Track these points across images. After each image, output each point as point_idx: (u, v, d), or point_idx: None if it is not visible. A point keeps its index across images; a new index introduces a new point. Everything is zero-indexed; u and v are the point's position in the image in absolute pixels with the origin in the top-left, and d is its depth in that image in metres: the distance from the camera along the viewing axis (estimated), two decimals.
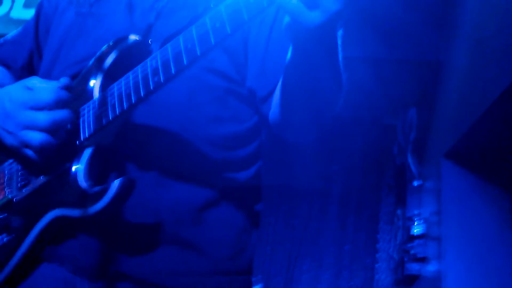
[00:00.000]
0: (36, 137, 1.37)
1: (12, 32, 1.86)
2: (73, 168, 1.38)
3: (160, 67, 1.22)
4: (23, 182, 1.52)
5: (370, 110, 5.22)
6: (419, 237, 4.17)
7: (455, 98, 4.00)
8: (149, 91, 1.27)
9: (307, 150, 4.83)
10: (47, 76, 1.61)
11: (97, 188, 1.34)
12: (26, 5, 4.91)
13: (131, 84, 1.30)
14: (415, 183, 4.58)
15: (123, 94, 1.31)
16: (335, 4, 1.07)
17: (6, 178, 1.57)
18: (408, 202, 4.76)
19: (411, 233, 4.27)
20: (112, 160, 1.40)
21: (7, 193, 1.54)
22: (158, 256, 1.43)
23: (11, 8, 4.93)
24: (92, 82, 1.42)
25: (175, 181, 1.46)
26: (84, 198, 1.35)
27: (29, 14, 4.84)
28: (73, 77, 1.51)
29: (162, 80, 1.23)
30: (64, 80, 1.44)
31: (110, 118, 1.34)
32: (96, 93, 1.40)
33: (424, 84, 4.77)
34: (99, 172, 1.39)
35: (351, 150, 5.45)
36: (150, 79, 1.25)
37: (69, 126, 1.41)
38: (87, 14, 1.63)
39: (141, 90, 1.27)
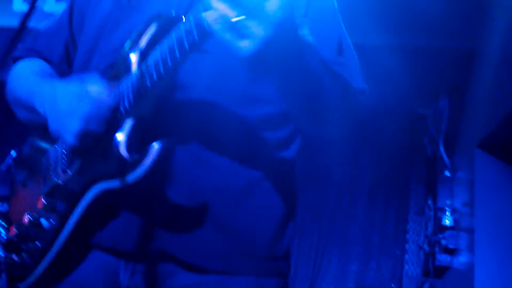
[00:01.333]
0: (66, 139, 1.44)
1: (44, 24, 1.88)
2: (115, 139, 1.40)
3: (194, 27, 1.21)
4: (67, 165, 1.55)
5: (401, 100, 5.19)
6: (450, 228, 4.16)
7: (489, 88, 3.97)
8: (185, 51, 1.26)
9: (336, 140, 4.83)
10: (85, 66, 1.65)
11: (137, 156, 1.35)
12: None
13: (166, 49, 1.30)
14: (447, 173, 4.56)
15: (160, 60, 1.33)
16: (262, 32, 1.10)
17: (51, 163, 1.61)
18: (439, 192, 4.75)
19: (442, 224, 4.26)
20: (152, 133, 1.39)
21: (52, 177, 1.57)
22: (198, 237, 1.44)
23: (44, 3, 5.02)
24: (131, 56, 1.45)
25: (215, 160, 1.47)
26: (124, 167, 1.37)
27: (61, 8, 4.92)
28: (111, 65, 1.54)
29: (197, 39, 1.22)
30: (111, 102, 1.45)
31: (149, 85, 1.35)
32: (135, 66, 1.43)
33: (457, 74, 4.73)
34: (139, 144, 1.38)
35: (381, 140, 5.44)
36: (184, 40, 1.24)
37: (111, 102, 1.44)
38: (124, 6, 1.66)
39: (177, 52, 1.27)
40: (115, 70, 1.51)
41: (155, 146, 1.32)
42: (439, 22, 4.31)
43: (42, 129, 1.56)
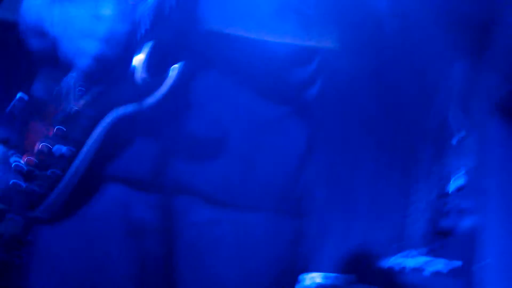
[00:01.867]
0: (93, 48, 1.40)
1: None
2: (134, 61, 1.38)
3: None
4: (81, 92, 1.53)
5: (412, 62, 5.15)
6: (458, 189, 4.18)
7: (506, 50, 3.93)
8: None
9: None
10: None
11: (155, 78, 1.34)
12: None
13: None
14: (457, 137, 4.56)
15: None
16: None
17: (64, 93, 1.58)
18: (448, 155, 4.75)
19: (450, 186, 4.27)
20: (172, 58, 1.38)
21: (65, 104, 1.56)
22: (216, 168, 1.43)
23: None
24: None
25: (238, 92, 1.47)
26: (142, 90, 1.35)
27: None
28: None
29: None
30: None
31: (168, 9, 1.33)
32: None
33: (472, 37, 4.68)
34: (159, 68, 1.37)
35: (394, 93, 5.37)
36: None
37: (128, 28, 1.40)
38: None
39: None
40: None
41: (175, 68, 1.30)
42: None
43: (53, 60, 1.54)
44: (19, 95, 1.75)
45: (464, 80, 4.66)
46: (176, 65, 1.30)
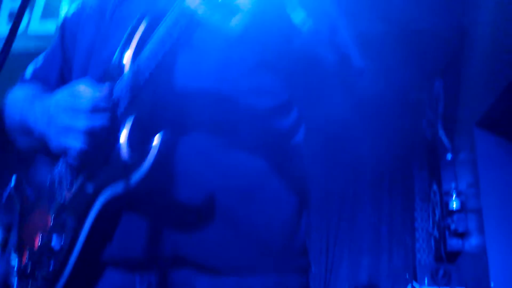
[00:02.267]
0: (75, 145, 1.41)
1: (42, 53, 1.93)
2: (115, 140, 1.38)
3: (180, 16, 1.22)
4: (72, 179, 1.54)
5: (396, 86, 5.17)
6: (457, 211, 4.12)
7: (482, 65, 3.94)
8: (173, 43, 1.26)
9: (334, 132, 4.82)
10: (83, 75, 1.65)
11: (138, 155, 1.33)
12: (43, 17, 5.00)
13: (156, 43, 1.31)
14: (449, 156, 4.53)
15: (151, 55, 1.33)
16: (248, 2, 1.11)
17: (57, 183, 1.60)
18: (443, 176, 4.71)
19: (449, 208, 4.22)
20: (153, 131, 1.36)
21: (58, 193, 1.57)
22: (211, 236, 1.40)
23: (28, 24, 5.04)
24: (124, 57, 1.45)
25: (222, 154, 1.45)
26: (127, 168, 1.34)
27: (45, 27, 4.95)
28: (105, 72, 1.54)
29: (184, 29, 1.23)
30: (107, 86, 1.45)
31: (142, 83, 1.35)
32: (128, 64, 1.44)
33: (449, 53, 4.70)
34: (141, 144, 1.36)
35: (380, 129, 5.41)
36: (172, 31, 1.24)
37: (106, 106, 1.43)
38: (109, 23, 1.68)
39: (166, 45, 1.27)
40: (109, 75, 1.51)
41: (156, 139, 1.29)
42: (428, 2, 4.29)
43: (44, 152, 1.57)
44: (14, 179, 1.77)
45: (446, 98, 4.66)
46: (157, 136, 1.30)
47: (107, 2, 1.72)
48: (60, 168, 1.60)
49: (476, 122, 3.97)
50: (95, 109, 1.39)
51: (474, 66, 4.19)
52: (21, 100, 1.72)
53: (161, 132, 1.30)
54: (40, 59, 1.90)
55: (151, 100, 1.40)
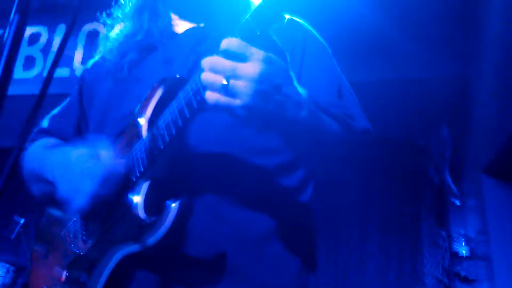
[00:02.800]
0: (78, 203, 1.47)
1: (57, 107, 1.99)
2: (132, 202, 1.44)
3: (201, 87, 1.29)
4: (86, 234, 1.58)
5: (403, 133, 5.22)
6: (466, 258, 4.11)
7: (488, 113, 4.00)
8: (194, 111, 1.32)
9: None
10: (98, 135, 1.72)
11: (155, 218, 1.38)
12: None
13: (175, 110, 1.37)
14: (456, 202, 4.54)
15: (170, 122, 1.39)
16: (249, 89, 1.20)
17: (71, 237, 1.64)
18: (451, 222, 4.72)
19: (458, 254, 4.21)
20: (169, 192, 1.44)
21: (73, 249, 1.60)
22: None
23: (43, 69, 5.16)
24: (140, 122, 1.52)
25: (231, 212, 1.50)
26: (143, 230, 1.39)
27: (59, 73, 5.09)
28: (122, 131, 1.61)
29: (204, 98, 1.28)
30: (122, 164, 1.50)
31: (162, 147, 1.41)
32: (145, 131, 1.50)
33: (456, 101, 4.77)
34: (157, 205, 1.43)
35: (387, 175, 5.44)
36: (192, 100, 1.31)
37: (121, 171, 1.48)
38: (126, 79, 1.76)
39: (186, 112, 1.33)
40: (127, 136, 1.58)
41: (173, 205, 1.36)
42: (432, 51, 4.38)
43: (57, 201, 1.60)
44: (21, 220, 1.79)
45: (453, 145, 4.71)
46: (174, 204, 1.36)
47: (126, 59, 1.80)
48: (75, 221, 1.64)
49: (484, 169, 4.00)
50: (105, 180, 1.45)
51: (480, 114, 4.26)
52: (40, 150, 1.77)
53: (179, 199, 1.36)
54: (57, 110, 1.95)
55: (166, 163, 1.46)
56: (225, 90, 1.20)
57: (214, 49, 1.52)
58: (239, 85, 1.20)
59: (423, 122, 5.09)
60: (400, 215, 5.55)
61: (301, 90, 1.32)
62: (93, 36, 5.26)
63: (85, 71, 1.97)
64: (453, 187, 4.61)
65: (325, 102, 1.51)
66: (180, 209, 1.36)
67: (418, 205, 5.49)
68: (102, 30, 5.32)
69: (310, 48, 1.68)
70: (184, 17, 1.80)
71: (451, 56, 4.40)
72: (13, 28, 1.03)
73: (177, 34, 1.79)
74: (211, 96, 1.22)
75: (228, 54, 1.22)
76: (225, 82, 1.21)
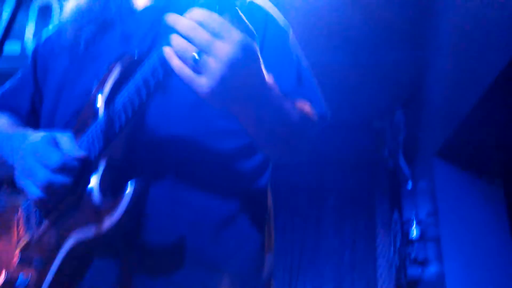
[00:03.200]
0: (33, 191, 1.42)
1: (8, 81, 1.92)
2: (87, 185, 1.41)
3: (159, 65, 1.23)
4: (40, 217, 1.55)
5: (357, 116, 5.29)
6: (417, 240, 4.22)
7: (442, 97, 4.09)
8: (150, 92, 1.28)
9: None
10: (51, 116, 1.68)
11: (110, 201, 1.35)
12: None
13: (132, 90, 1.33)
14: (409, 185, 4.64)
15: (127, 102, 1.35)
16: (219, 69, 1.13)
17: (24, 218, 1.60)
18: (404, 205, 4.83)
19: (410, 236, 4.32)
20: (125, 175, 1.39)
21: (26, 231, 1.57)
22: (179, 276, 1.43)
23: None
24: (97, 100, 1.48)
25: (190, 196, 1.48)
26: (99, 213, 1.35)
27: (8, 49, 4.93)
28: (78, 111, 1.57)
29: (161, 77, 1.24)
30: (81, 153, 1.46)
31: (117, 130, 1.38)
32: (101, 111, 1.46)
33: (410, 85, 4.86)
34: (113, 188, 1.39)
35: (342, 157, 5.52)
36: (150, 79, 1.26)
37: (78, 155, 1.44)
38: (82, 56, 1.70)
39: (143, 93, 1.29)
40: (82, 116, 1.54)
41: (129, 187, 1.31)
42: (388, 36, 4.43)
43: (12, 182, 1.55)
44: None
45: (407, 128, 4.81)
46: (130, 184, 1.31)
47: (82, 34, 1.74)
48: (29, 203, 1.60)
49: (436, 152, 4.10)
50: (61, 168, 1.41)
51: (434, 98, 4.35)
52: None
53: (134, 180, 1.32)
54: (8, 86, 1.89)
55: (124, 145, 1.43)
56: (194, 64, 1.13)
57: (171, 30, 1.49)
58: (211, 64, 1.13)
59: (378, 106, 5.17)
60: (355, 197, 5.65)
61: (267, 76, 1.27)
62: (45, 11, 5.12)
63: (38, 46, 1.90)
64: (406, 170, 4.71)
65: (285, 89, 1.46)
66: (136, 191, 1.32)
67: (372, 187, 5.60)
68: (55, 4, 5.20)
69: (270, 32, 1.65)
70: None
71: (407, 41, 4.47)
72: None
73: (136, 10, 1.74)
74: (178, 65, 1.15)
75: (204, 27, 1.13)
76: (196, 56, 1.13)
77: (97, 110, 1.48)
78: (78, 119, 1.55)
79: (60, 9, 1.89)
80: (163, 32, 1.47)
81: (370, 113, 5.33)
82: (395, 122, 5.02)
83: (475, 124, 3.59)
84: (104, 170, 1.42)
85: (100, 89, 1.49)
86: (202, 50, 1.12)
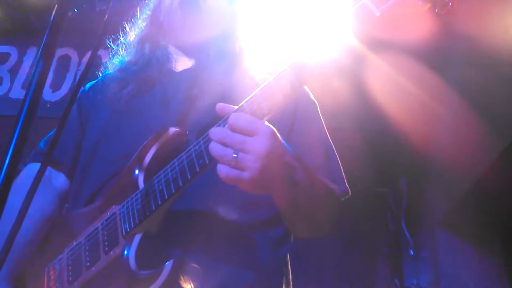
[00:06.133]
0: None
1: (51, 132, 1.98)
2: (124, 253, 1.48)
3: (204, 151, 1.36)
4: (73, 276, 1.61)
5: (362, 179, 5.42)
6: None
7: (444, 170, 4.27)
8: (196, 173, 1.39)
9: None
10: (85, 171, 1.78)
11: (147, 272, 1.43)
12: (24, 87, 5.19)
13: (177, 170, 1.41)
14: (411, 251, 4.77)
15: (170, 180, 1.43)
16: (256, 165, 1.28)
17: (56, 274, 1.67)
18: (405, 271, 4.93)
19: None
20: (160, 246, 1.51)
21: (58, 287, 1.63)
22: None
23: (9, 89, 5.20)
24: (136, 174, 1.57)
25: (219, 265, 1.56)
26: (135, 283, 1.43)
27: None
28: (114, 174, 1.67)
29: (207, 161, 1.35)
30: None
31: (159, 203, 1.45)
32: (141, 184, 1.55)
33: (414, 156, 4.98)
34: (148, 258, 1.48)
35: (343, 220, 5.60)
36: (195, 162, 1.38)
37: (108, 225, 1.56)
38: (123, 111, 1.81)
39: (188, 173, 1.40)
40: (120, 182, 1.64)
41: (167, 264, 1.41)
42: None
43: None
44: None
45: (409, 196, 4.96)
46: (169, 262, 1.41)
47: (125, 90, 1.84)
48: (62, 260, 1.67)
49: (438, 221, 4.25)
50: None
51: (437, 169, 4.53)
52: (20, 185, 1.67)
53: (173, 259, 1.42)
54: (51, 136, 1.96)
55: (160, 217, 1.51)
56: (234, 163, 1.29)
57: (206, 93, 1.62)
58: (248, 159, 1.28)
59: (383, 172, 5.32)
60: (356, 260, 5.71)
61: (291, 156, 1.41)
62: (63, 61, 5.31)
63: (83, 93, 1.99)
64: (408, 236, 4.86)
65: (314, 164, 1.61)
66: (173, 268, 1.41)
67: (374, 252, 5.68)
68: (74, 55, 5.42)
69: (301, 105, 1.76)
70: (183, 51, 1.87)
71: (415, 116, 4.65)
72: None
73: (174, 72, 1.84)
74: (222, 170, 1.30)
75: (236, 131, 1.30)
76: (234, 155, 1.28)
77: (136, 181, 1.56)
78: (116, 184, 1.63)
79: (109, 59, 2.01)
80: (196, 98, 1.64)
81: (374, 178, 5.47)
82: (398, 188, 5.18)
83: (476, 197, 3.77)
84: (140, 241, 1.49)
85: (140, 159, 1.57)
86: (239, 151, 1.28)
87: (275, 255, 1.68)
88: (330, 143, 1.80)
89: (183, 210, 1.58)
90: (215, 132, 1.33)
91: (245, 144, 1.29)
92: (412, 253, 4.78)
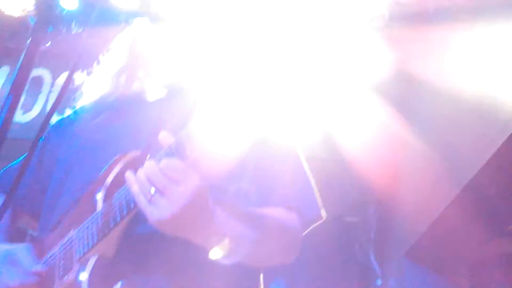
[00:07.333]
0: None
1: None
2: (78, 278, 1.51)
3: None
4: (64, 271, 1.61)
5: (330, 210, 5.45)
6: None
7: (412, 200, 4.35)
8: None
9: None
10: (55, 199, 1.80)
11: None
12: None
13: (129, 193, 1.44)
14: (378, 282, 4.82)
15: (123, 203, 1.47)
16: (169, 209, 1.35)
17: (48, 265, 1.67)
18: None
19: None
20: (115, 270, 1.52)
21: (49, 279, 1.64)
22: None
23: None
24: (96, 196, 1.60)
25: None
26: None
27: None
28: (78, 200, 1.70)
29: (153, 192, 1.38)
30: (39, 267, 1.63)
31: (112, 225, 1.49)
32: (100, 205, 1.58)
33: (384, 185, 5.05)
34: (102, 282, 1.51)
35: (313, 248, 5.63)
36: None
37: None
38: (93, 141, 1.83)
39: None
40: (80, 207, 1.67)
41: (116, 286, 1.47)
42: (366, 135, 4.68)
43: None
44: None
45: (378, 225, 5.02)
46: (117, 285, 1.47)
47: (96, 120, 1.88)
48: (56, 252, 1.68)
49: (406, 252, 4.32)
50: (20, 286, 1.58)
51: (405, 199, 4.61)
52: None
53: (123, 281, 1.48)
54: (13, 164, 1.99)
55: (116, 241, 1.54)
56: (149, 198, 1.37)
57: (176, 121, 1.65)
58: (162, 202, 1.35)
59: (352, 200, 5.37)
60: None
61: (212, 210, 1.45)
62: (36, 82, 5.29)
63: (52, 129, 2.01)
64: (376, 266, 4.91)
65: (277, 194, 1.66)
66: None
67: (341, 282, 5.70)
68: (48, 77, 5.40)
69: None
70: (157, 82, 1.88)
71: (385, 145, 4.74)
72: None
73: (147, 102, 1.87)
74: (138, 198, 1.39)
75: (164, 174, 1.36)
76: (152, 192, 1.36)
77: (95, 204, 1.60)
78: (77, 209, 1.67)
79: (82, 91, 2.04)
80: (170, 126, 1.68)
81: (343, 208, 5.52)
82: (367, 217, 5.24)
83: (444, 228, 3.85)
84: (95, 264, 1.53)
85: (101, 183, 1.61)
86: (157, 191, 1.35)
87: (243, 283, 1.69)
88: (301, 167, 1.82)
89: (144, 234, 1.58)
90: (147, 165, 1.39)
91: (165, 189, 1.35)
92: (380, 283, 4.82)
